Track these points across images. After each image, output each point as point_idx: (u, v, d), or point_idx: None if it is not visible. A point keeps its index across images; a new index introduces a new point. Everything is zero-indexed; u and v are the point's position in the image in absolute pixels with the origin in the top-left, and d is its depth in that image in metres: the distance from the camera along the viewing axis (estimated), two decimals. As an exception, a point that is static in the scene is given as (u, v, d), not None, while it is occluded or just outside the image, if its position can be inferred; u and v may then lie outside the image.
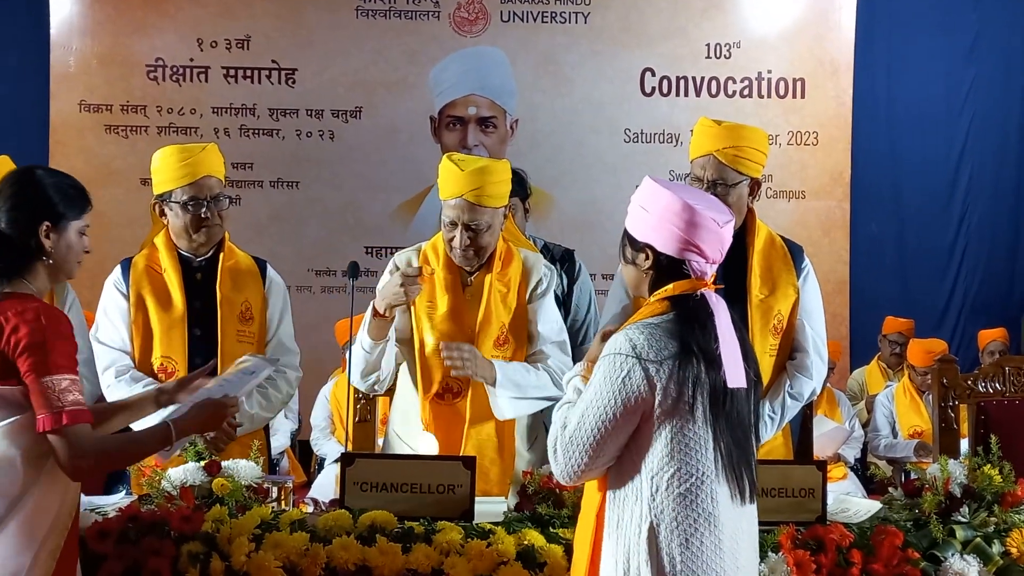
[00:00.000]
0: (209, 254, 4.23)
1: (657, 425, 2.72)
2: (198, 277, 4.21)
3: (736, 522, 2.77)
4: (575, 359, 4.13)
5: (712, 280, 2.87)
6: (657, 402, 2.70)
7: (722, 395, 2.74)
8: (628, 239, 2.93)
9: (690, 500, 2.70)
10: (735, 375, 2.75)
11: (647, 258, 2.87)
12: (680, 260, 2.82)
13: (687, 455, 2.71)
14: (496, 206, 3.88)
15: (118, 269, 4.24)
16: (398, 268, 4.00)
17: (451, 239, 3.87)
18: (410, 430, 3.96)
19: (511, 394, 3.83)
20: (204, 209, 4.12)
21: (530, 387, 3.89)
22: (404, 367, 4.04)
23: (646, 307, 2.86)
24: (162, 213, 4.20)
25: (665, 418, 2.71)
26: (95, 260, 7.91)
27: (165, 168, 4.15)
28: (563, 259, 4.78)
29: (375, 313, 3.83)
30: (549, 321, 4.02)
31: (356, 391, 4.47)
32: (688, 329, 2.75)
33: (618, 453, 2.76)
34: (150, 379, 4.08)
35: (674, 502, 2.70)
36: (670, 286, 2.83)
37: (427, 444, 3.83)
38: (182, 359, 4.12)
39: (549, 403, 4.00)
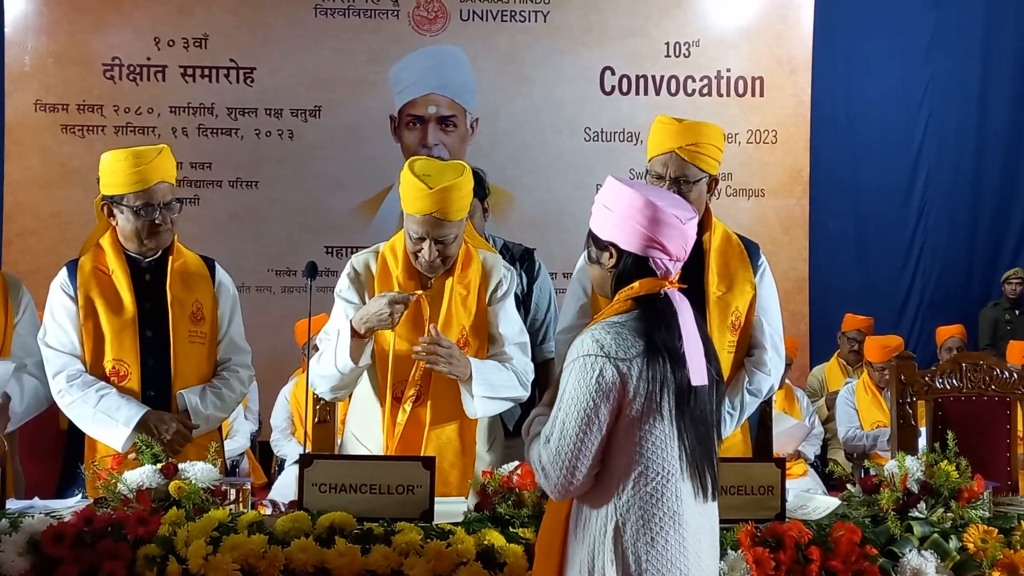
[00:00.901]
0: (158, 255, 4.18)
1: (626, 424, 2.72)
2: (147, 278, 4.15)
3: (699, 520, 2.78)
4: (534, 359, 4.14)
5: (676, 279, 2.88)
6: (628, 400, 2.70)
7: (687, 393, 2.74)
8: (592, 238, 2.93)
9: (656, 499, 2.70)
10: (698, 373, 2.75)
11: (611, 256, 2.86)
12: (644, 258, 2.82)
13: (654, 454, 2.71)
14: (462, 218, 3.86)
15: (64, 271, 4.15)
16: (356, 271, 3.97)
17: (417, 251, 3.82)
18: (368, 431, 3.94)
19: (484, 393, 3.80)
20: (157, 215, 4.07)
21: (502, 386, 3.87)
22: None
23: (610, 306, 2.86)
24: (111, 214, 4.13)
25: (634, 417, 2.71)
26: (53, 261, 7.88)
27: (117, 171, 4.06)
28: (523, 258, 4.78)
29: (354, 333, 3.78)
30: (510, 323, 4.01)
31: (315, 393, 4.46)
32: (654, 327, 2.75)
33: (601, 456, 2.74)
34: (103, 383, 4.03)
35: (640, 501, 2.70)
36: (635, 284, 2.82)
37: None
38: (134, 361, 4.07)
39: (514, 404, 4.00)
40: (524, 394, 3.97)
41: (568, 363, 2.78)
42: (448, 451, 3.85)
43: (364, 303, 3.90)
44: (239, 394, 4.26)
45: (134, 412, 3.97)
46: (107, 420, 3.96)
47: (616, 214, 2.84)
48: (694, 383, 2.74)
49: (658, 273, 2.82)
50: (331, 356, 3.84)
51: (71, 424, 4.10)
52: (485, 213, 4.80)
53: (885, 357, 7.44)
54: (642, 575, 2.67)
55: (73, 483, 4.02)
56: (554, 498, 2.79)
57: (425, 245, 3.79)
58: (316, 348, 4.51)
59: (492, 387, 3.83)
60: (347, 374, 3.83)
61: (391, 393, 3.86)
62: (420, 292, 3.84)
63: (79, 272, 4.11)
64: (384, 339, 3.85)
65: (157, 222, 4.06)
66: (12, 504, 3.59)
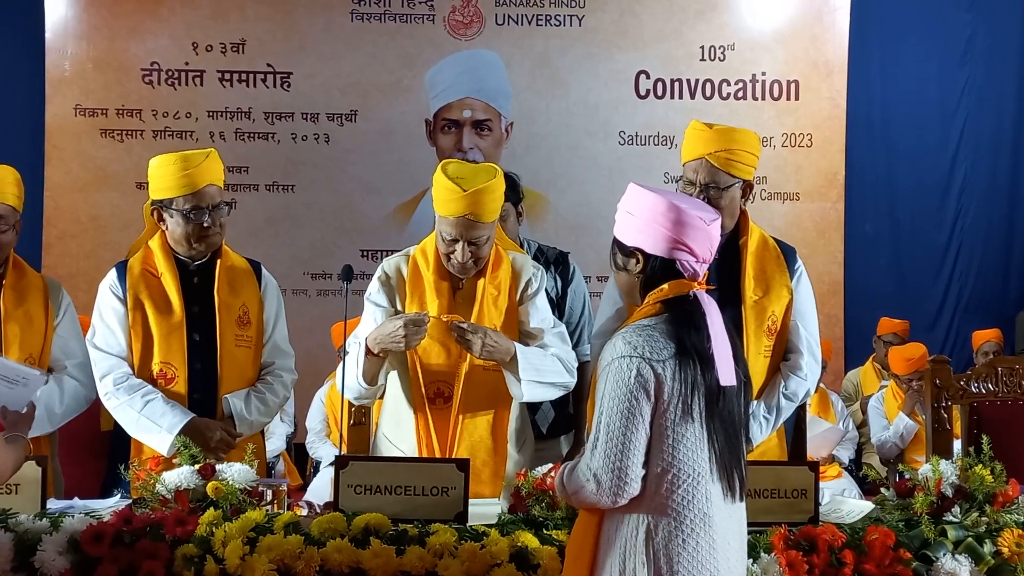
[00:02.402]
0: (205, 258, 4.22)
1: (659, 426, 2.73)
2: (195, 281, 4.19)
3: (727, 521, 2.79)
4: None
5: (704, 280, 2.89)
6: (663, 401, 2.73)
7: (716, 395, 2.76)
8: (618, 245, 2.96)
9: (687, 501, 2.72)
10: (727, 374, 2.77)
11: (638, 262, 2.89)
12: (671, 260, 2.85)
13: (685, 456, 2.73)
14: (494, 220, 3.90)
15: (113, 273, 4.19)
16: (387, 275, 4.00)
17: (450, 253, 3.85)
18: (400, 432, 3.97)
19: (531, 377, 3.82)
20: (207, 218, 4.10)
21: (548, 371, 3.89)
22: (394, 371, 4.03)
23: (640, 310, 2.88)
24: (160, 218, 4.17)
25: (667, 419, 2.73)
26: (92, 264, 7.93)
27: (166, 175, 4.10)
28: (557, 262, 4.79)
29: (368, 352, 3.81)
30: (543, 318, 4.03)
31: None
32: (683, 330, 2.78)
33: (643, 477, 2.74)
34: (149, 387, 4.07)
35: (672, 503, 2.72)
36: (664, 287, 2.84)
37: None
38: (181, 364, 4.11)
39: (563, 391, 4.01)
40: (571, 380, 3.98)
41: (603, 368, 2.79)
42: (480, 450, 3.87)
43: (394, 307, 3.94)
44: (282, 398, 4.29)
45: (179, 419, 4.01)
46: (151, 426, 4.00)
47: (640, 219, 2.88)
48: (723, 384, 2.76)
49: (685, 275, 2.85)
50: (351, 371, 3.89)
51: (117, 425, 4.15)
52: (520, 217, 4.82)
53: (909, 370, 7.41)
54: None
55: (115, 484, 4.06)
56: (605, 505, 2.76)
57: (458, 247, 3.82)
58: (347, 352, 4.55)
59: (538, 371, 3.85)
60: (364, 392, 3.90)
61: (425, 394, 3.89)
62: (445, 317, 3.85)
63: (128, 274, 4.15)
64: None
65: (206, 225, 4.10)
66: (52, 504, 3.63)
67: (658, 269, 2.87)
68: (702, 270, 2.89)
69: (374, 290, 4.01)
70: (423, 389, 3.89)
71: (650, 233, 2.85)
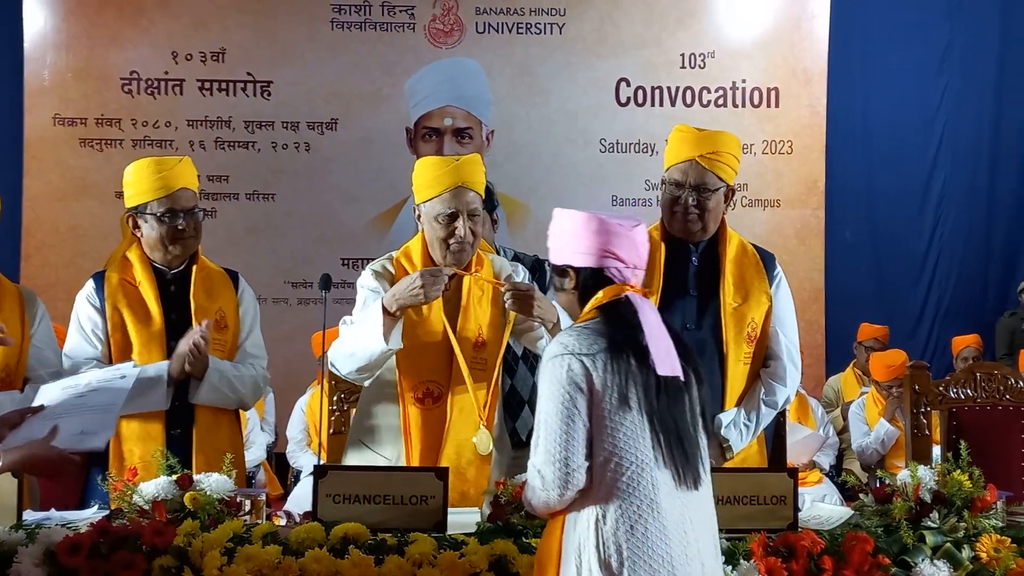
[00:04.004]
0: (183, 266, 4.23)
1: (597, 416, 2.81)
2: (172, 289, 4.20)
3: (681, 509, 2.83)
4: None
5: (640, 286, 3.01)
6: (597, 393, 2.81)
7: (655, 386, 2.84)
8: (552, 268, 3.10)
9: (633, 487, 2.78)
10: (664, 363, 2.86)
11: (571, 278, 3.01)
12: (600, 269, 2.97)
13: (627, 444, 2.80)
14: (481, 192, 3.97)
15: (91, 283, 4.19)
16: (380, 271, 3.99)
17: (451, 232, 3.87)
18: (381, 433, 3.95)
19: None
20: (180, 221, 4.11)
21: None
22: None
23: (579, 318, 2.99)
24: (135, 226, 4.17)
25: (604, 408, 2.80)
26: (71, 274, 7.92)
27: (140, 180, 4.13)
28: (534, 269, 4.78)
29: (385, 312, 3.76)
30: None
31: (330, 402, 4.48)
32: (615, 327, 2.89)
33: (588, 470, 2.80)
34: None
35: (617, 491, 2.78)
36: (599, 294, 2.95)
37: None
38: None
39: None
40: None
41: (540, 371, 2.90)
42: (466, 449, 3.86)
43: None
44: (250, 377, 4.23)
45: (162, 366, 4.02)
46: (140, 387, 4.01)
47: (566, 238, 3.02)
48: (660, 372, 2.83)
49: (616, 281, 2.95)
50: (360, 334, 3.83)
51: None
52: (495, 225, 4.83)
53: (889, 376, 7.44)
54: (623, 564, 2.74)
55: (93, 495, 4.03)
56: (554, 500, 2.82)
57: (459, 223, 3.87)
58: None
59: None
60: (378, 355, 3.81)
61: (412, 394, 3.88)
62: (451, 270, 3.85)
63: (106, 284, 4.16)
64: (404, 337, 3.86)
65: (180, 227, 4.11)
66: (29, 515, 3.61)
67: (590, 280, 2.98)
68: (635, 276, 3.00)
69: (368, 279, 3.99)
70: (412, 389, 3.88)
71: (577, 248, 2.98)
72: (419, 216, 3.99)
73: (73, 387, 3.54)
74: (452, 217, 3.87)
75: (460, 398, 3.88)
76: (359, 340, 3.83)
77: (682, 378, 2.89)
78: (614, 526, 2.75)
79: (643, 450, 2.80)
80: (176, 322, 4.15)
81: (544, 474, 2.80)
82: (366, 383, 4.00)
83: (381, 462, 3.89)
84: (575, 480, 2.79)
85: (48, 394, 3.52)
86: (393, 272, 3.99)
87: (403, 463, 3.85)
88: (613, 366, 2.82)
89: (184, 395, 4.10)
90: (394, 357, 3.89)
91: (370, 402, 4.03)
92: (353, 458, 4.00)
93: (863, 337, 8.73)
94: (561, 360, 2.83)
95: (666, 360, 2.86)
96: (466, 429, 3.88)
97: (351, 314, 4.02)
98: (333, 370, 4.02)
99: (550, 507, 2.85)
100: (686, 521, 2.82)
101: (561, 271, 3.04)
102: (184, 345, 4.01)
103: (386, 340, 3.75)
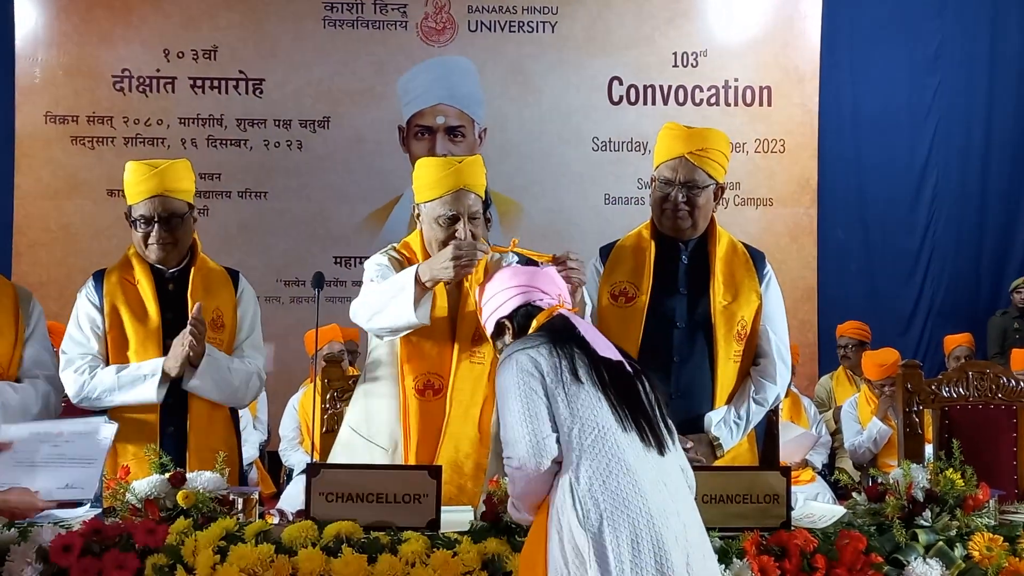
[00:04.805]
0: (181, 265, 4.24)
1: (552, 393, 2.93)
2: (170, 288, 4.21)
3: (656, 471, 2.90)
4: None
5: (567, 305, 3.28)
6: (547, 373, 2.94)
7: (604, 365, 2.99)
8: (491, 338, 3.34)
9: (599, 448, 2.87)
10: (603, 347, 3.03)
11: (509, 329, 3.23)
12: (527, 303, 3.21)
13: (586, 412, 2.91)
14: (481, 195, 3.98)
15: (90, 281, 4.24)
16: (384, 264, 3.98)
17: (451, 235, 3.86)
18: (378, 426, 3.94)
19: None
20: (152, 227, 4.13)
21: None
22: (376, 363, 4.01)
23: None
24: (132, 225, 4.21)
25: (559, 383, 2.93)
26: (63, 272, 7.87)
27: (127, 183, 4.18)
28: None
29: (418, 282, 3.73)
30: None
31: (323, 400, 4.47)
32: (553, 331, 3.07)
33: (556, 440, 2.90)
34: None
35: (585, 451, 2.87)
36: (533, 322, 3.14)
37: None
38: None
39: None
40: None
41: (496, 382, 3.06)
42: (464, 442, 3.86)
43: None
44: (244, 371, 4.24)
45: (157, 362, 4.06)
46: (134, 377, 4.06)
47: (491, 297, 3.29)
48: (601, 354, 2.99)
49: (546, 307, 3.18)
50: (390, 297, 3.78)
51: None
52: (488, 223, 4.82)
53: (882, 375, 7.42)
54: (602, 517, 2.79)
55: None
56: (532, 473, 2.91)
57: (460, 225, 3.86)
58: (332, 358, 4.56)
59: None
60: (402, 325, 3.79)
61: (413, 386, 3.87)
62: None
63: (106, 281, 4.20)
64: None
65: (150, 234, 4.12)
66: (22, 514, 3.60)
67: (523, 317, 3.20)
68: (562, 302, 3.24)
69: (381, 260, 3.98)
70: (413, 380, 3.88)
71: (503, 299, 3.24)
72: (418, 215, 3.99)
73: (44, 434, 3.52)
74: (453, 219, 3.87)
75: (460, 392, 3.89)
76: (388, 303, 3.79)
77: (630, 369, 3.03)
78: (588, 483, 2.82)
79: (604, 415, 2.91)
80: (173, 321, 4.16)
81: (518, 450, 2.90)
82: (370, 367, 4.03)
83: (377, 452, 3.89)
84: (547, 448, 2.89)
85: (15, 432, 3.51)
86: (402, 258, 3.98)
87: (400, 454, 3.85)
88: (557, 351, 2.97)
89: (179, 393, 4.11)
90: (397, 347, 3.89)
91: (369, 391, 4.03)
92: (344, 449, 3.99)
93: (839, 334, 8.65)
94: (508, 360, 2.99)
95: (604, 346, 3.04)
96: (465, 423, 3.88)
97: (339, 322, 4.02)
98: (355, 319, 3.96)
99: (531, 485, 2.93)
100: (660, 484, 2.88)
101: (499, 330, 3.26)
102: (178, 346, 4.03)
103: (416, 312, 3.73)
